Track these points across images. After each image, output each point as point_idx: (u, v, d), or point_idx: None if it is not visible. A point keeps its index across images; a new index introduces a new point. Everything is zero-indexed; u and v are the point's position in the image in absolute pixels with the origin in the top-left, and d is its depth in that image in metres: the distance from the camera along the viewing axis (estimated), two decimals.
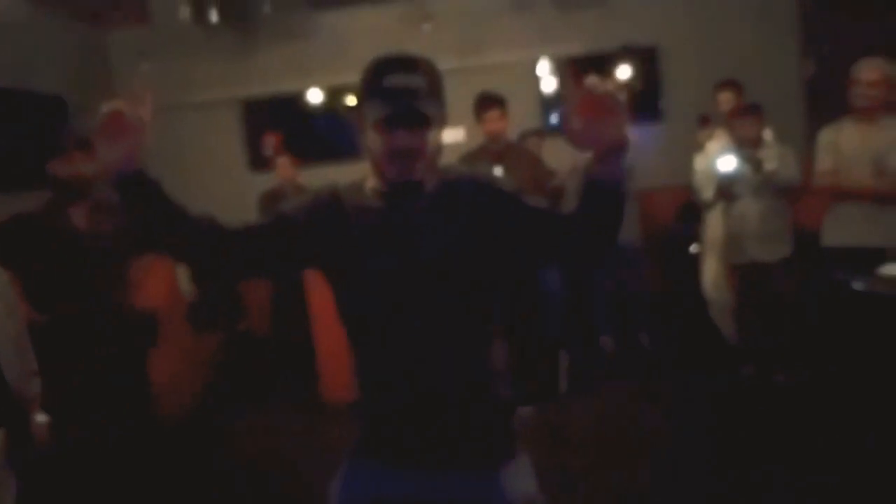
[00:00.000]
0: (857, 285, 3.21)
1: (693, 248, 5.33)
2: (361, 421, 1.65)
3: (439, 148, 1.53)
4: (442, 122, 1.52)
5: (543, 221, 1.52)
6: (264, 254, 1.58)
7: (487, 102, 4.29)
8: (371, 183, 1.57)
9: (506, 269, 1.62)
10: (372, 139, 1.47)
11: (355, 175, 1.63)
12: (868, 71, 3.59)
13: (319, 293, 4.52)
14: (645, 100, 6.57)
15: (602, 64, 6.37)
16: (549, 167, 4.50)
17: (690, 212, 5.37)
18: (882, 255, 3.45)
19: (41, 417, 2.52)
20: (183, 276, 5.19)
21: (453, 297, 1.52)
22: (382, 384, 1.58)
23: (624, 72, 6.53)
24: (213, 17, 5.65)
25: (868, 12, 5.26)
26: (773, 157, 4.14)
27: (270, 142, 5.62)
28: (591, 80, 1.37)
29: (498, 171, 3.95)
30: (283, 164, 5.34)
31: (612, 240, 1.49)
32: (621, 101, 1.36)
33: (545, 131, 5.22)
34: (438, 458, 1.56)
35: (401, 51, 1.51)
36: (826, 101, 5.34)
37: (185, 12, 5.77)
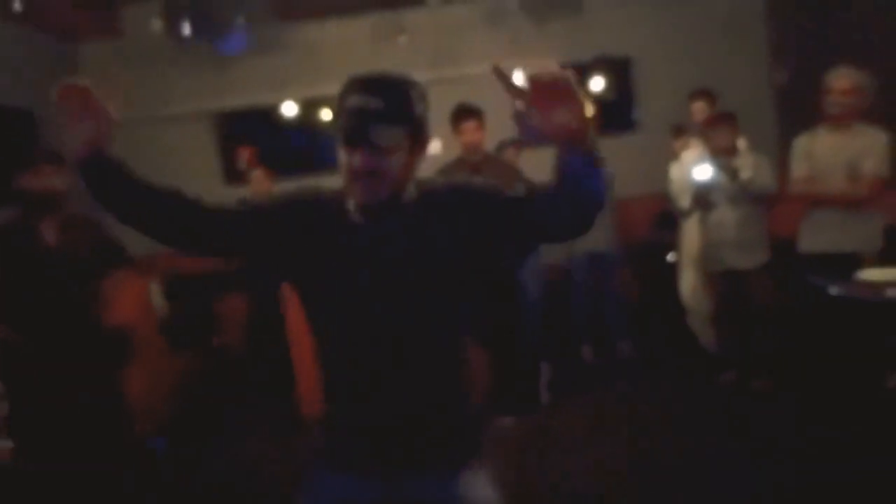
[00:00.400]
0: (834, 290, 3.23)
1: (670, 257, 5.36)
2: (327, 431, 1.66)
3: (411, 167, 1.51)
4: (415, 143, 1.49)
5: (524, 208, 1.49)
6: (231, 234, 1.56)
7: (464, 113, 4.27)
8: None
9: (491, 269, 1.61)
10: (340, 157, 1.47)
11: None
12: (840, 79, 3.63)
13: (297, 305, 4.47)
14: (619, 110, 6.61)
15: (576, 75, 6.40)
16: (527, 178, 4.49)
17: (666, 221, 5.41)
18: (858, 260, 3.49)
19: (4, 443, 2.44)
20: (155, 291, 5.11)
21: (427, 311, 1.53)
22: (351, 394, 1.58)
23: (597, 83, 6.58)
24: (186, 29, 5.59)
25: (836, 20, 5.35)
26: (749, 166, 4.17)
27: (244, 155, 5.56)
28: (532, 69, 1.33)
29: None
30: (258, 177, 5.29)
31: (595, 211, 1.45)
32: (572, 82, 1.32)
33: (522, 142, 5.22)
34: (402, 467, 1.57)
35: (378, 68, 1.49)
36: (797, 109, 5.43)
37: (157, 25, 5.71)
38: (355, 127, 1.42)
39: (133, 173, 1.49)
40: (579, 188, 1.41)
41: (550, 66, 1.32)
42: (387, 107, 1.41)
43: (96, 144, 1.45)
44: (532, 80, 1.33)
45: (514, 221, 1.50)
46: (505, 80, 1.35)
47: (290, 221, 1.55)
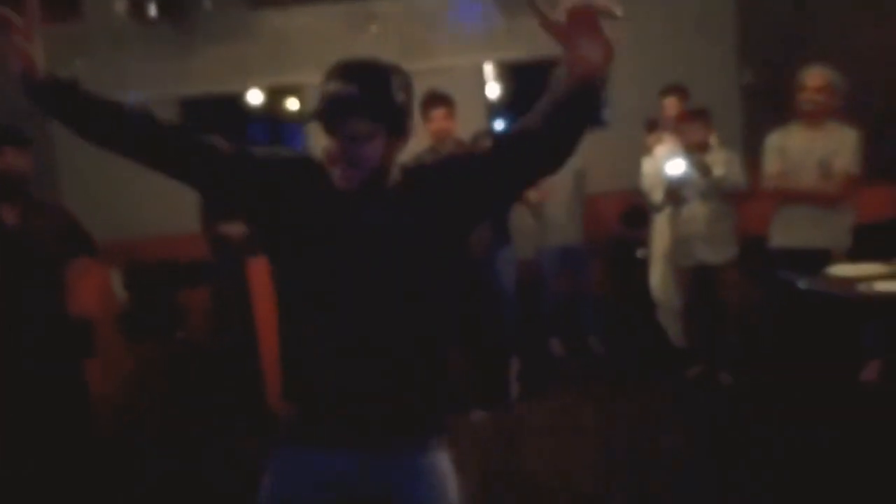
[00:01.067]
0: (805, 285, 3.26)
1: (639, 253, 5.38)
2: (293, 405, 1.63)
3: (391, 154, 1.50)
4: (396, 130, 1.48)
5: (498, 158, 1.53)
6: (213, 169, 1.53)
7: (433, 101, 4.23)
8: None
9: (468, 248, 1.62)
10: (321, 139, 1.48)
11: None
12: (813, 77, 3.68)
13: (264, 294, 4.37)
14: None
15: (547, 70, 6.40)
16: None
17: (634, 217, 5.43)
18: (827, 257, 3.54)
19: None
20: (117, 281, 4.97)
21: (405, 289, 1.52)
22: (322, 367, 1.55)
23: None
24: (152, 11, 5.44)
25: (804, 20, 5.43)
26: (721, 162, 4.20)
27: None
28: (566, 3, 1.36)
29: None
30: None
31: (580, 140, 1.50)
32: (600, 8, 1.36)
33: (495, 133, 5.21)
34: (372, 439, 1.55)
35: (361, 55, 1.49)
36: (764, 107, 5.50)
37: (121, 7, 5.54)
38: (330, 115, 1.42)
39: (90, 91, 1.46)
40: (580, 118, 1.47)
41: None
42: (363, 96, 1.41)
43: (34, 68, 1.42)
44: (571, 12, 1.36)
45: (490, 174, 1.53)
46: (540, 14, 1.39)
47: (278, 176, 1.53)
